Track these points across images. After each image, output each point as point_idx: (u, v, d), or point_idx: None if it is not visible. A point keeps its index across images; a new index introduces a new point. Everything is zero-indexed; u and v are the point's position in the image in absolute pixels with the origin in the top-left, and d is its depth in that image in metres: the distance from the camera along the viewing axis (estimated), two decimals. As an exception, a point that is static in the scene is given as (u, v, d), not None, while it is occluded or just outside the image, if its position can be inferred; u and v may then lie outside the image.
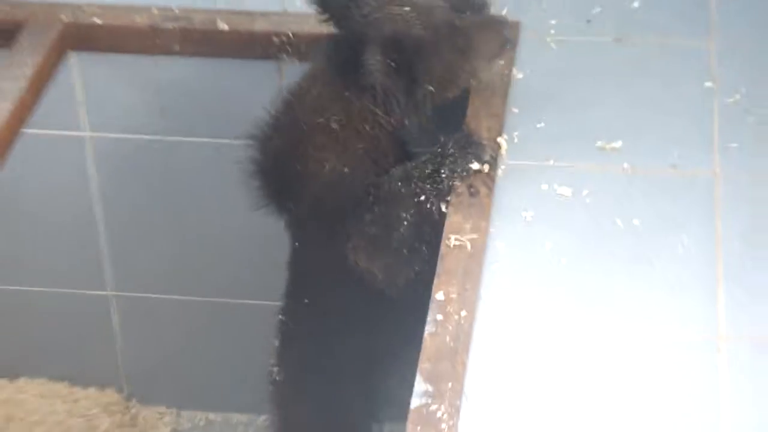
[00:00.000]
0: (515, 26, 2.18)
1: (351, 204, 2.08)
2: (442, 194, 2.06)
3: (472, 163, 2.05)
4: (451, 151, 2.07)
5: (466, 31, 2.03)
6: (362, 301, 2.16)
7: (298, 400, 2.34)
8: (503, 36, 2.07)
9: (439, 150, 2.08)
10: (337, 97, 2.07)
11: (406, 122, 2.07)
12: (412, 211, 2.06)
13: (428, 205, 2.06)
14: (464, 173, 2.05)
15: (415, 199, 2.07)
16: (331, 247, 2.13)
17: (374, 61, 1.93)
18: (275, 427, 2.44)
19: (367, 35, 1.98)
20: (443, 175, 2.06)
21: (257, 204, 2.21)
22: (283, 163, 2.16)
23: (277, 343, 2.31)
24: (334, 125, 2.06)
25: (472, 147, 2.09)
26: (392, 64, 1.94)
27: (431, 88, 2.01)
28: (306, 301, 2.23)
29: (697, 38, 2.30)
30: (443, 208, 2.06)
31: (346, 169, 2.08)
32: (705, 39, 2.28)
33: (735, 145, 2.15)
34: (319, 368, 2.27)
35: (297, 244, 2.23)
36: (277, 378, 2.32)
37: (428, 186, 2.07)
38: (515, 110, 2.20)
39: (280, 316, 2.30)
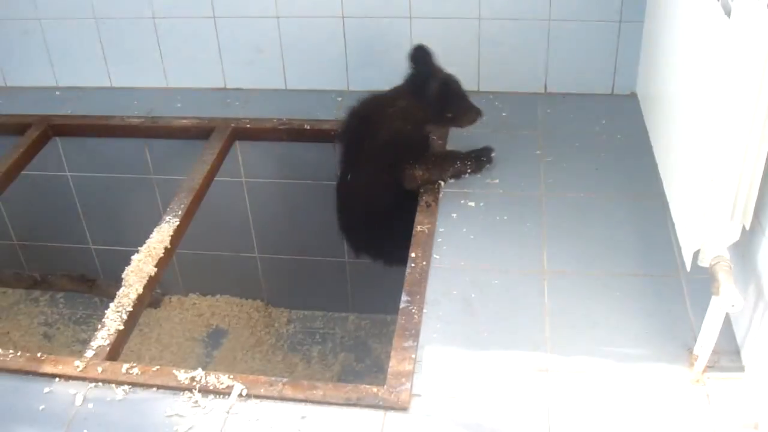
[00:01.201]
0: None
1: (409, 149, 2.36)
2: (463, 168, 2.42)
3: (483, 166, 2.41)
4: (473, 156, 2.41)
5: (466, 108, 2.36)
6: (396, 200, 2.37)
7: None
8: (476, 119, 2.39)
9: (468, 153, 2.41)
10: (407, 100, 2.33)
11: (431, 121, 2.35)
12: (455, 164, 2.42)
13: (459, 165, 2.43)
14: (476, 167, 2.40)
15: (456, 162, 2.42)
16: (384, 171, 2.34)
17: (434, 87, 2.27)
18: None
19: (432, 76, 2.29)
20: (467, 162, 2.42)
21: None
22: (363, 126, 2.34)
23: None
24: (402, 109, 2.30)
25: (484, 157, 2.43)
26: (440, 91, 2.26)
27: (449, 115, 2.36)
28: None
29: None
30: (467, 171, 2.43)
31: (408, 127, 2.32)
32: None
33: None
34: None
35: (350, 176, 2.42)
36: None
37: (461, 161, 2.42)
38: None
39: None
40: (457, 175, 2.40)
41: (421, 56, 2.32)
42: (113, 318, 2.06)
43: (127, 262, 2.16)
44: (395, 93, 2.33)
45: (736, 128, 1.57)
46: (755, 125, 1.57)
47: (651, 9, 2.48)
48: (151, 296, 2.19)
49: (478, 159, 2.40)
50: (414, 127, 2.31)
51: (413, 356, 1.82)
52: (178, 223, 2.31)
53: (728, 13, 1.46)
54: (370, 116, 2.31)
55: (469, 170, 2.40)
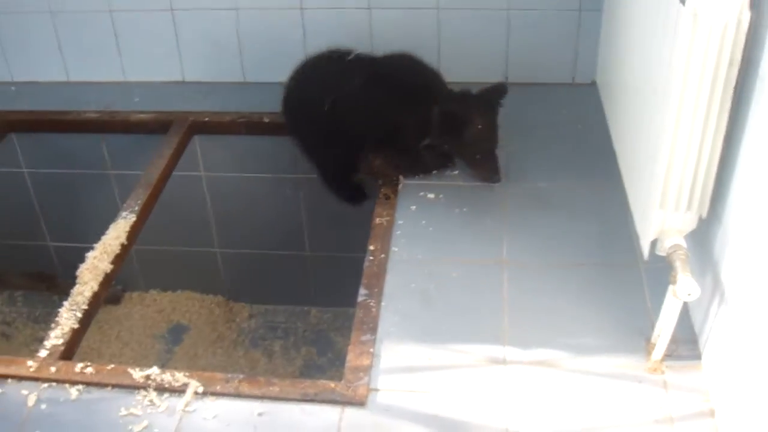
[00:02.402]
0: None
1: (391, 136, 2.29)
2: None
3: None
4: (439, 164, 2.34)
5: (487, 159, 2.24)
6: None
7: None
8: (491, 179, 2.26)
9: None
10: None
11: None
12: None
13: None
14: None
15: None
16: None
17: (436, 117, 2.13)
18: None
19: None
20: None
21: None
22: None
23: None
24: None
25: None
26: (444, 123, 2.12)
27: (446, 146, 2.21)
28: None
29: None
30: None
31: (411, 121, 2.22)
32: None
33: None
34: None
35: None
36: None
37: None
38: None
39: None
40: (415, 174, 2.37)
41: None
42: (68, 317, 2.03)
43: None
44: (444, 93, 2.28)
45: (690, 117, 1.57)
46: (710, 114, 1.57)
47: (609, -3, 2.44)
48: (110, 293, 2.13)
49: (444, 166, 2.40)
50: (416, 127, 2.23)
51: (371, 350, 1.82)
52: (134, 219, 2.28)
53: (683, 1, 1.48)
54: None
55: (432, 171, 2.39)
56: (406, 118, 2.20)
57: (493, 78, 2.57)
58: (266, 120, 2.73)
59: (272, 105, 2.65)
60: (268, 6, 2.74)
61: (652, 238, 1.77)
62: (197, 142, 2.82)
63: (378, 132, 2.26)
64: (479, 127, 2.15)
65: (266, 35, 2.81)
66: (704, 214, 1.69)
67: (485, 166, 2.23)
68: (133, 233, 2.27)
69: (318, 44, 2.61)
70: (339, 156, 2.38)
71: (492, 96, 2.19)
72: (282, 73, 2.60)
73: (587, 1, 2.61)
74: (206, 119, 2.78)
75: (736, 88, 1.50)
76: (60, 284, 3.17)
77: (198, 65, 2.91)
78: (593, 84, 2.76)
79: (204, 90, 2.91)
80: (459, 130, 2.15)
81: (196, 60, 2.90)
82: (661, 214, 1.68)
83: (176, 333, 3.11)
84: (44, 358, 1.92)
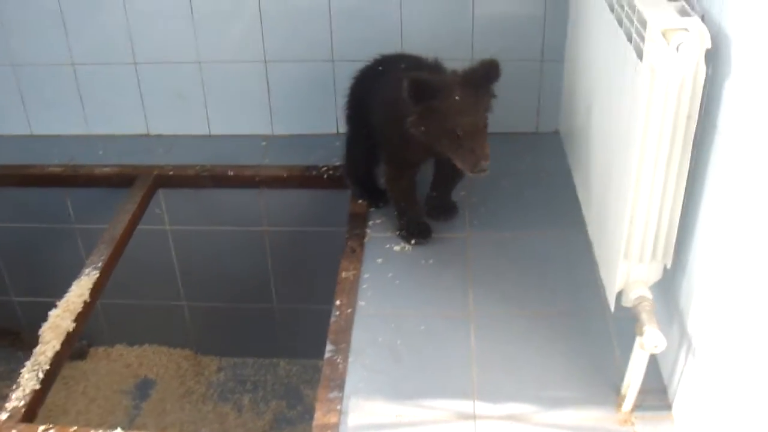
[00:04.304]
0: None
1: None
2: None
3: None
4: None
5: (470, 138, 1.93)
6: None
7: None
8: (477, 167, 1.95)
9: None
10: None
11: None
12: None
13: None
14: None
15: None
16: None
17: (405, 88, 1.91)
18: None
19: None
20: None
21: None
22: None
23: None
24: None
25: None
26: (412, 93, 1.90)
27: (423, 128, 1.97)
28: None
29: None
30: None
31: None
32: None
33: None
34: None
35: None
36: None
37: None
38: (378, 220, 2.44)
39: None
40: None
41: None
42: (29, 377, 1.99)
43: (52, 314, 2.02)
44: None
45: (652, 169, 1.57)
46: (671, 165, 1.58)
47: (570, 49, 2.49)
48: (75, 348, 2.08)
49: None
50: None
51: (338, 407, 1.79)
52: (98, 275, 2.25)
53: (640, 56, 1.49)
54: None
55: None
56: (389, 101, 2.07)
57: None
58: (231, 173, 2.73)
59: (236, 158, 2.68)
60: (231, 59, 2.74)
61: (618, 290, 1.77)
62: (162, 195, 2.80)
63: (380, 120, 2.20)
64: (456, 98, 1.90)
65: (230, 87, 2.80)
66: (669, 264, 1.68)
67: (470, 148, 1.92)
68: (97, 290, 2.23)
69: (283, 95, 2.64)
70: (358, 152, 2.39)
71: (478, 72, 1.96)
72: (247, 125, 2.63)
73: (549, 51, 2.62)
74: (171, 173, 2.75)
75: (695, 140, 1.52)
76: (24, 340, 3.07)
77: (162, 118, 2.89)
78: (556, 133, 2.75)
79: (168, 143, 2.88)
80: (431, 100, 1.90)
81: (161, 113, 2.87)
82: (625, 265, 1.68)
83: (144, 388, 3.05)
84: (4, 421, 1.87)
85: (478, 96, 1.93)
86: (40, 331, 2.11)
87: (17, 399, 1.93)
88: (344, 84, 2.43)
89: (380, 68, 2.26)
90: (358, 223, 2.41)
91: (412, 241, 2.28)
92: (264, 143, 2.87)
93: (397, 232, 2.32)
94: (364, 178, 2.44)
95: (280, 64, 2.74)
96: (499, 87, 2.51)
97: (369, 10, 2.60)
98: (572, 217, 2.25)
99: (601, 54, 1.94)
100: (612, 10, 1.76)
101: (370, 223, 2.40)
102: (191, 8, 2.67)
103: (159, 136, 2.94)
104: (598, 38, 1.97)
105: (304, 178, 2.68)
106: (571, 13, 2.46)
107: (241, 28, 2.67)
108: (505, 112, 2.60)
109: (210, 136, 2.92)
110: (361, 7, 2.60)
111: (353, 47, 2.63)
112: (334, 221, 2.66)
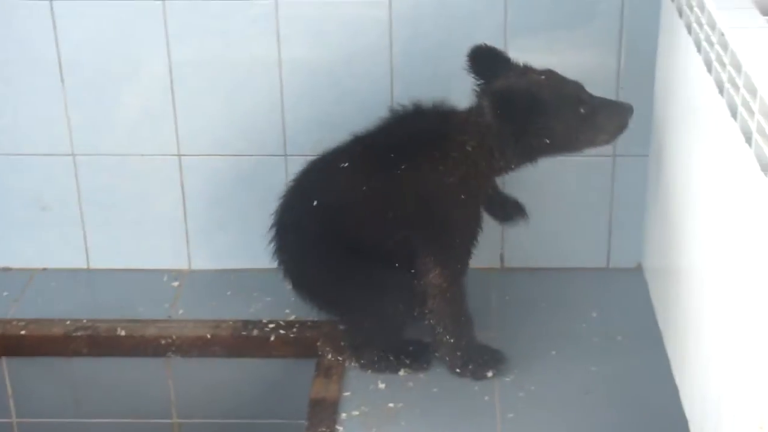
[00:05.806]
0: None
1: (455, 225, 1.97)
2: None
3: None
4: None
5: (593, 104, 1.84)
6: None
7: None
8: (624, 119, 1.85)
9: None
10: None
11: (513, 165, 1.90)
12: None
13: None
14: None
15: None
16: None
17: (485, 105, 1.82)
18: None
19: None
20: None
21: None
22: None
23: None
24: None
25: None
26: (498, 111, 1.80)
27: (547, 141, 1.85)
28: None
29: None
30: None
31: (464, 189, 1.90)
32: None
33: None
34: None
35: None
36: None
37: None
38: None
39: None
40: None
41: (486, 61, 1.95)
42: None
43: None
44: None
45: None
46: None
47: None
48: None
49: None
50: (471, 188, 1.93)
51: None
52: None
53: (765, 170, 1.29)
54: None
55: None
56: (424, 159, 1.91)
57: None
58: (122, 332, 2.24)
59: (131, 307, 2.31)
60: (125, 151, 2.32)
61: None
62: (5, 368, 2.30)
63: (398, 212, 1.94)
64: (543, 77, 1.88)
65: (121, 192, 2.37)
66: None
67: (603, 113, 1.88)
68: None
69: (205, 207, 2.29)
70: (394, 294, 2.04)
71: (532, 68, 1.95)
72: (149, 254, 2.30)
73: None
74: (22, 332, 2.25)
75: None
76: None
77: (15, 240, 2.42)
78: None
79: (21, 282, 2.41)
80: (530, 104, 1.84)
81: (13, 231, 2.40)
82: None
83: None
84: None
85: (552, 71, 1.94)
86: None
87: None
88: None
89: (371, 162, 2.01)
90: (324, 415, 1.97)
91: (489, 373, 2.03)
92: (176, 283, 2.38)
93: (458, 370, 2.03)
94: (399, 331, 2.14)
95: (200, 159, 2.33)
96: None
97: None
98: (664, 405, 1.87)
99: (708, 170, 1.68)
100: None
101: (344, 415, 1.99)
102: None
103: (6, 269, 2.42)
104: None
105: (239, 341, 2.20)
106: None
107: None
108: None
109: (89, 269, 2.42)
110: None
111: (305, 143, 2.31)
112: (285, 411, 2.22)
